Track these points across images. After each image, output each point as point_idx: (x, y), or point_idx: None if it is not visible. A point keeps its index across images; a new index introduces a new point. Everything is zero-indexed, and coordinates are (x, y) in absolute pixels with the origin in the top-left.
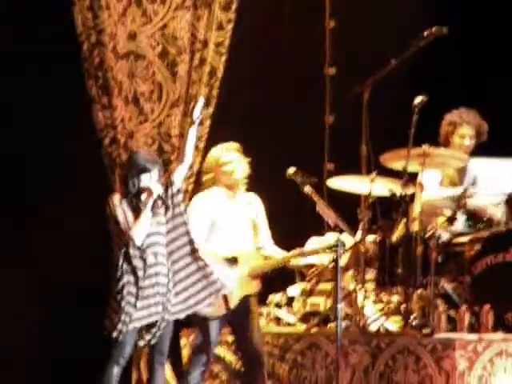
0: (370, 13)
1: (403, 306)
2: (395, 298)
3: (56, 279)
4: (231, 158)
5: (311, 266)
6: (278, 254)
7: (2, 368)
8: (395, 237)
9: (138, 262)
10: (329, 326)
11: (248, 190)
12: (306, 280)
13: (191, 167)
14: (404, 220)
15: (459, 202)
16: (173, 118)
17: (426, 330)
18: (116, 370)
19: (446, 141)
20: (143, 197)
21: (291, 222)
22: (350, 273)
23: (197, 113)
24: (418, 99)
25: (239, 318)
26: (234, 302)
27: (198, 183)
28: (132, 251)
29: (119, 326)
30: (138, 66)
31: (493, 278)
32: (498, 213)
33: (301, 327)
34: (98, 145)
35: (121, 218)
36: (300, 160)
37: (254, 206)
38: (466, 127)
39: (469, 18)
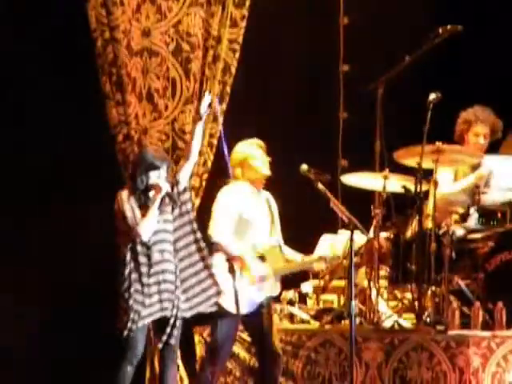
0: (384, 10)
1: (417, 303)
2: (409, 295)
3: (56, 279)
4: (258, 153)
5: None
6: (291, 255)
7: (2, 368)
8: (409, 233)
9: (143, 259)
10: (342, 322)
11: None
12: (318, 277)
13: (205, 164)
14: (418, 217)
15: (473, 198)
16: (187, 114)
17: (439, 327)
18: (129, 369)
19: (460, 139)
20: (151, 194)
21: (304, 219)
22: (364, 269)
23: (203, 109)
24: (433, 96)
25: (258, 318)
26: (258, 302)
27: (211, 180)
28: (139, 247)
29: (129, 324)
30: (151, 63)
31: (506, 274)
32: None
33: (314, 324)
34: (98, 143)
35: (128, 213)
36: (314, 157)
37: (271, 205)
38: (480, 125)
39: (483, 16)
